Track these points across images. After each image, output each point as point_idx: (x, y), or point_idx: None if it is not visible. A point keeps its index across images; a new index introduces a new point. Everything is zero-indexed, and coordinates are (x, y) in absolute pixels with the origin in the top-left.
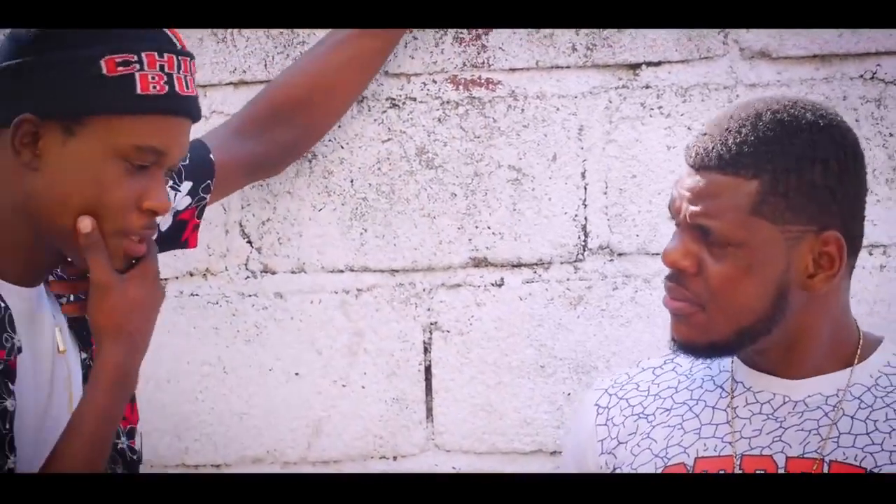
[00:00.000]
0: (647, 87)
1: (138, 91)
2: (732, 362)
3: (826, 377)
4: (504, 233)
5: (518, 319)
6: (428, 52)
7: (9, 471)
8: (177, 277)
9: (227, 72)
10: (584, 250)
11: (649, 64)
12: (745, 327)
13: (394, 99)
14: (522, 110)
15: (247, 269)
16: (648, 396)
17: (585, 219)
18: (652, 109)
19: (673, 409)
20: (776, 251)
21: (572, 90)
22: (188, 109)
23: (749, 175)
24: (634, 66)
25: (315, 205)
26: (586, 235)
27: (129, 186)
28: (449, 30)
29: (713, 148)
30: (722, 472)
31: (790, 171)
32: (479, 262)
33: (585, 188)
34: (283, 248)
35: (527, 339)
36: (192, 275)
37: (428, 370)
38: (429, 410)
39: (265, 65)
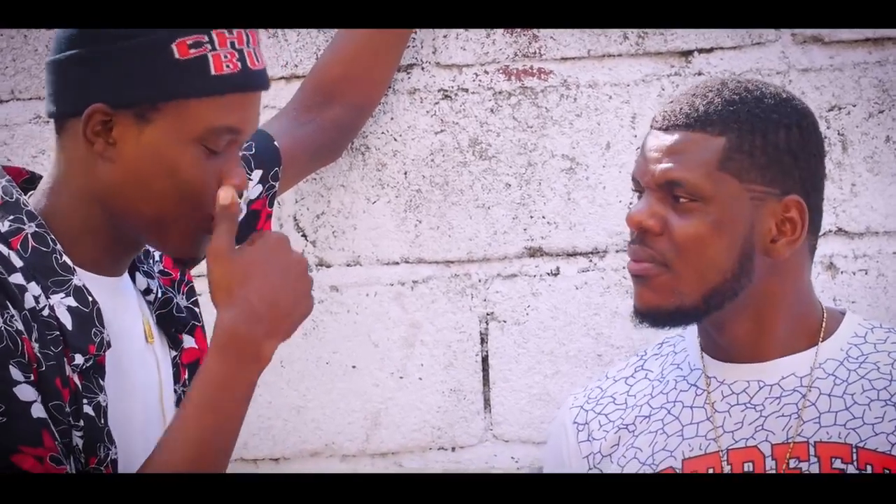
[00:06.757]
0: (700, 73)
1: (213, 72)
2: (703, 359)
3: (797, 356)
4: (559, 222)
5: (574, 308)
6: (479, 43)
7: (111, 462)
8: None
9: (279, 66)
10: None
11: (701, 51)
12: (711, 287)
13: (446, 90)
14: (575, 99)
15: None
16: (627, 408)
17: None
18: None
19: (652, 416)
20: (741, 208)
21: (624, 78)
22: (261, 83)
23: (716, 132)
24: (686, 54)
25: (369, 197)
26: None
27: (209, 168)
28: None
29: (680, 109)
30: (711, 469)
31: (755, 130)
32: (535, 252)
33: None
34: (337, 241)
35: (583, 328)
36: None
37: (485, 360)
38: (486, 401)
39: (316, 58)
